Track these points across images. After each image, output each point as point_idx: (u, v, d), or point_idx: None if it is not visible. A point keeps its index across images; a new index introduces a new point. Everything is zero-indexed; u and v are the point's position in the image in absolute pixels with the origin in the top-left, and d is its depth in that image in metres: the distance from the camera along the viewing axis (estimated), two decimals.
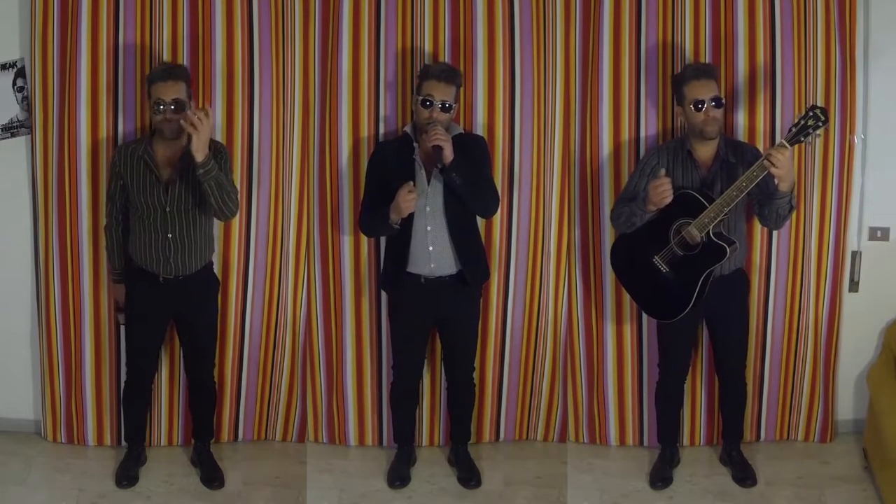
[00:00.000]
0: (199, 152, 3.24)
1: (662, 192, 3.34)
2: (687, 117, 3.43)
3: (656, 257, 3.50)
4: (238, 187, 3.68)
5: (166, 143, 3.40)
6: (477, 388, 3.86)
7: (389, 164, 3.49)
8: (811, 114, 3.15)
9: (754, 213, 3.54)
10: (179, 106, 3.34)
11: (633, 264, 3.58)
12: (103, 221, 3.61)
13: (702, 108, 3.36)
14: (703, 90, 3.37)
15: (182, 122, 3.22)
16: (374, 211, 3.49)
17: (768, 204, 3.35)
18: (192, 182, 3.39)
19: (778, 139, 3.58)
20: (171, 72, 3.40)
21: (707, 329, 3.74)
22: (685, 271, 3.43)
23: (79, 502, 3.56)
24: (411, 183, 3.38)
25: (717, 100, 3.38)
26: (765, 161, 3.17)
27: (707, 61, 3.64)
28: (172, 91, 3.34)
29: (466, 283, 3.54)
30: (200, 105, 3.61)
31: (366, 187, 3.58)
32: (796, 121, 3.20)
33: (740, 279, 3.62)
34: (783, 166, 3.16)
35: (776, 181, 3.24)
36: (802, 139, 3.17)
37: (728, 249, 3.35)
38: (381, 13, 3.67)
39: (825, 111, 3.15)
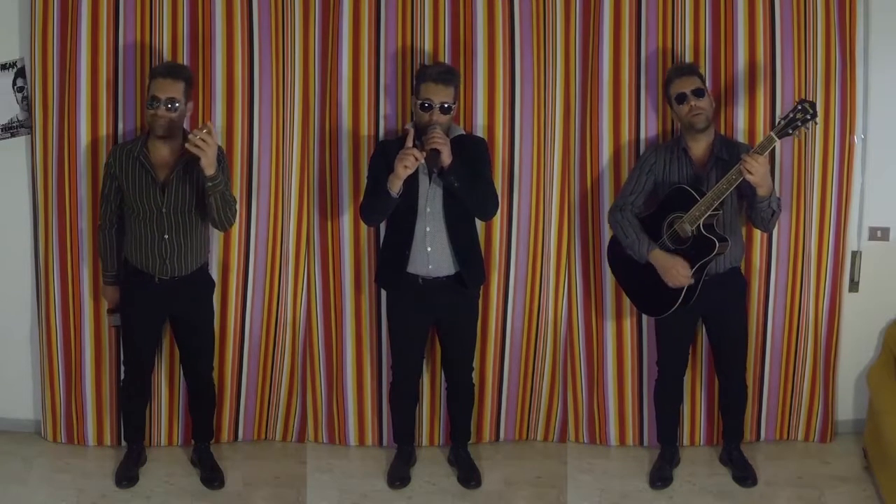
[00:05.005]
0: (209, 168, 3.23)
1: (682, 278, 3.40)
2: (676, 114, 3.51)
3: None
4: (235, 191, 3.69)
5: (162, 143, 3.39)
6: (477, 388, 3.86)
7: (392, 162, 3.47)
8: (800, 107, 3.19)
9: (746, 216, 3.56)
10: (175, 106, 3.34)
11: (627, 259, 3.59)
12: (98, 222, 3.60)
13: (685, 100, 3.43)
14: (685, 84, 3.45)
15: (186, 145, 3.20)
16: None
17: (752, 207, 3.40)
18: (188, 183, 3.39)
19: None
20: (173, 70, 3.39)
21: (705, 328, 3.75)
22: None
23: (79, 502, 3.56)
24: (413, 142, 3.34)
25: (697, 91, 3.45)
26: (741, 166, 3.22)
27: (706, 61, 3.67)
28: (170, 89, 3.33)
29: (464, 284, 3.54)
30: (200, 118, 3.62)
31: (368, 181, 3.56)
32: (785, 114, 3.23)
33: (736, 278, 3.63)
34: (757, 172, 3.21)
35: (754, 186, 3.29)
36: (790, 132, 3.20)
37: (717, 243, 3.36)
38: (381, 13, 3.67)
39: (813, 105, 3.18)
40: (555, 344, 3.92)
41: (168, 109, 3.32)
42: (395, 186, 3.35)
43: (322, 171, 3.76)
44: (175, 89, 3.34)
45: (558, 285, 3.88)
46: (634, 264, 3.56)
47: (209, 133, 3.18)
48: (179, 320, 3.61)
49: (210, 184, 3.26)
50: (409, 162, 3.30)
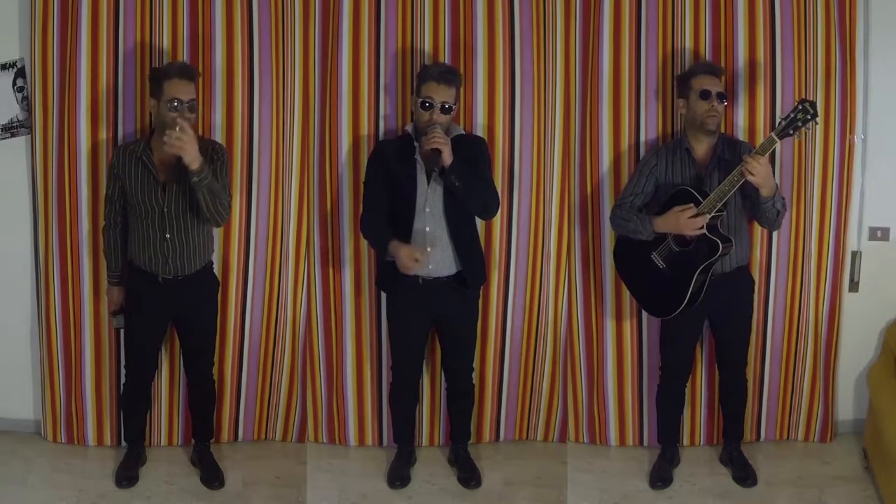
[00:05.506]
0: (193, 163, 3.23)
1: (694, 221, 3.36)
2: (690, 108, 3.48)
3: (654, 253, 3.51)
4: (235, 190, 3.70)
5: None
6: (477, 388, 3.86)
7: (391, 163, 3.49)
8: (800, 107, 3.18)
9: (751, 216, 3.56)
10: (195, 106, 3.34)
11: (632, 260, 3.59)
12: (102, 222, 3.61)
13: (709, 97, 3.41)
14: (713, 83, 3.44)
15: (166, 147, 3.20)
16: (375, 218, 3.50)
17: (757, 207, 3.39)
18: (190, 183, 3.38)
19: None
20: (188, 71, 3.39)
21: (710, 327, 3.74)
22: (681, 267, 3.44)
23: (79, 502, 3.56)
24: (421, 252, 3.40)
25: (722, 94, 3.44)
26: (742, 168, 3.21)
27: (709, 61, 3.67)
28: (189, 90, 3.34)
29: (465, 284, 3.54)
30: (200, 118, 3.62)
31: (366, 185, 3.58)
32: (786, 114, 3.22)
33: (743, 277, 3.62)
34: (759, 174, 3.21)
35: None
36: (791, 132, 3.19)
37: (721, 245, 3.35)
38: (381, 13, 3.68)
39: (814, 105, 3.17)
40: (555, 344, 3.92)
41: (190, 110, 3.33)
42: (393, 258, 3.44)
43: (322, 171, 3.76)
44: (192, 90, 3.35)
45: (558, 285, 3.88)
46: (640, 265, 3.55)
47: (183, 131, 3.18)
48: (183, 319, 3.61)
49: (196, 178, 3.25)
50: (408, 268, 3.40)
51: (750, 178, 3.21)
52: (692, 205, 3.35)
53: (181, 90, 3.32)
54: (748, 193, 3.42)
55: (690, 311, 3.46)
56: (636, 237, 3.52)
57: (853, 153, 3.74)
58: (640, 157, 3.70)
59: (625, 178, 3.71)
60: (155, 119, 3.44)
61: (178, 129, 3.17)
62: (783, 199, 3.41)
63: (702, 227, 3.34)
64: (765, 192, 3.30)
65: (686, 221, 3.36)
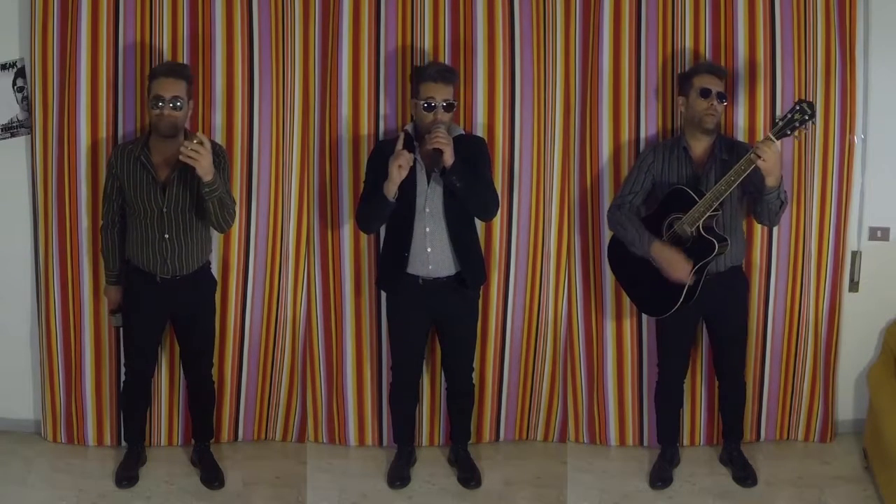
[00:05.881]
0: (206, 175, 3.24)
1: (683, 273, 3.38)
2: (690, 106, 3.47)
3: None
4: (237, 190, 3.70)
5: (164, 143, 3.39)
6: (477, 388, 3.86)
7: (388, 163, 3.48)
8: (797, 108, 3.17)
9: (750, 212, 3.56)
10: (179, 104, 3.34)
11: (628, 259, 3.59)
12: (101, 221, 3.60)
13: (709, 95, 3.41)
14: (715, 83, 3.44)
15: (180, 157, 3.20)
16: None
17: (759, 201, 3.37)
18: (189, 183, 3.38)
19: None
20: (175, 69, 3.40)
21: (706, 327, 3.75)
22: None
23: (79, 502, 3.56)
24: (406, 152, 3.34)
25: (722, 95, 3.44)
26: (752, 154, 3.19)
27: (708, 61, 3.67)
28: (174, 88, 3.33)
29: (465, 284, 3.53)
30: (200, 118, 3.63)
31: (365, 185, 3.58)
32: (783, 114, 3.22)
33: (738, 277, 3.62)
34: (770, 159, 3.18)
35: (763, 175, 3.25)
36: (789, 133, 3.19)
37: (717, 244, 3.35)
38: (381, 13, 3.68)
39: (812, 105, 3.16)
40: (555, 344, 3.92)
41: (173, 108, 3.33)
42: (391, 191, 3.35)
43: (322, 171, 3.76)
44: (178, 88, 3.35)
45: (558, 285, 3.88)
46: (635, 264, 3.55)
47: (201, 143, 3.18)
48: (181, 319, 3.61)
49: (207, 189, 3.26)
50: (402, 161, 3.30)
51: (760, 163, 3.17)
52: (692, 262, 3.37)
53: (164, 88, 3.32)
54: (748, 189, 3.42)
55: (686, 310, 3.47)
56: (630, 248, 3.52)
57: (853, 153, 3.74)
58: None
59: (624, 178, 3.70)
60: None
61: (195, 141, 3.17)
62: (786, 191, 3.40)
63: (684, 281, 3.38)
64: (771, 180, 3.26)
65: (679, 268, 3.38)
